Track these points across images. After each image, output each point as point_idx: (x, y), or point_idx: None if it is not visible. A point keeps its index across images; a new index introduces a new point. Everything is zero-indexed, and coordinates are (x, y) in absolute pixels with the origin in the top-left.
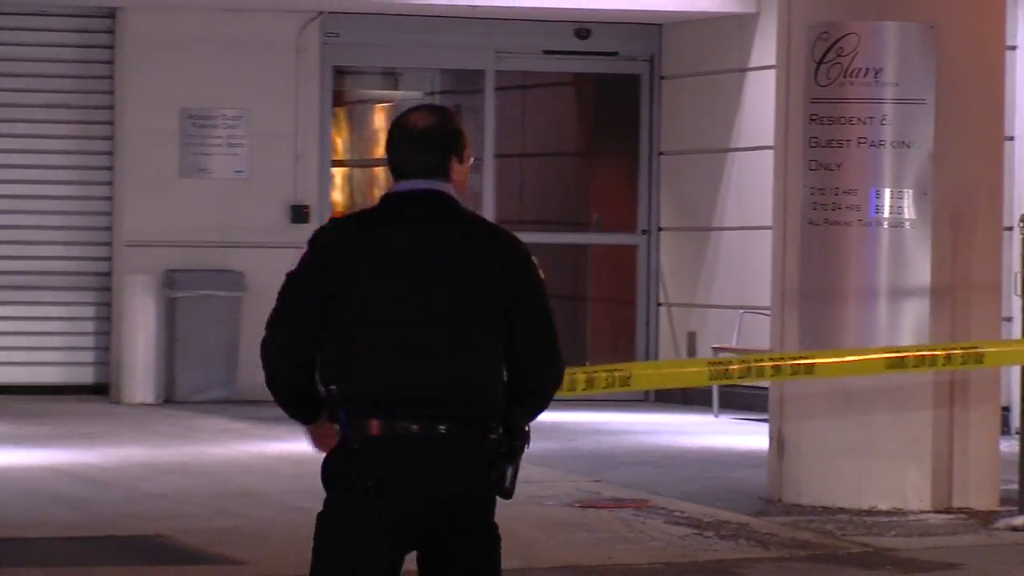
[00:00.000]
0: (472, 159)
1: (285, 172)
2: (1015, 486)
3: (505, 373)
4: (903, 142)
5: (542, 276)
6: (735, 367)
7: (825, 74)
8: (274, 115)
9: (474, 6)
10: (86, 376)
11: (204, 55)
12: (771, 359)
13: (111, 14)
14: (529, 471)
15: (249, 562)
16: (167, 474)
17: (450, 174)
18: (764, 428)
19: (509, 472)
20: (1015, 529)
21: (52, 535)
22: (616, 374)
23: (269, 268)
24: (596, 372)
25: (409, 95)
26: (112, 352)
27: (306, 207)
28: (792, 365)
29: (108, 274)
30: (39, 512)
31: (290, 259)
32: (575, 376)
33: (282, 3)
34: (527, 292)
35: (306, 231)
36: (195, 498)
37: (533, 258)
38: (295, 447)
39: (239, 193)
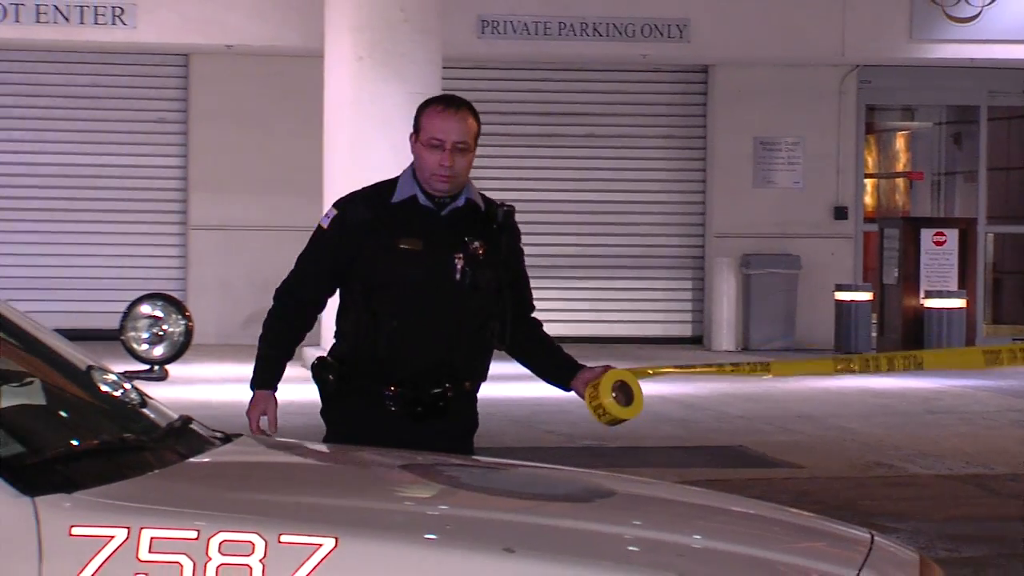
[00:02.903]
0: (416, 136)
1: (830, 183)
2: None
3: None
4: None
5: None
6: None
7: None
8: (822, 141)
9: (972, 59)
10: (685, 330)
11: (771, 98)
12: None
13: (704, 70)
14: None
15: (806, 466)
16: (744, 401)
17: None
18: None
19: None
20: None
21: (659, 445)
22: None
23: (818, 252)
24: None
25: (922, 125)
26: (704, 313)
27: (845, 208)
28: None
29: (701, 257)
30: (650, 428)
31: (833, 246)
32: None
33: (829, 59)
34: None
35: (845, 226)
36: (765, 419)
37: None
38: (837, 382)
39: (796, 198)
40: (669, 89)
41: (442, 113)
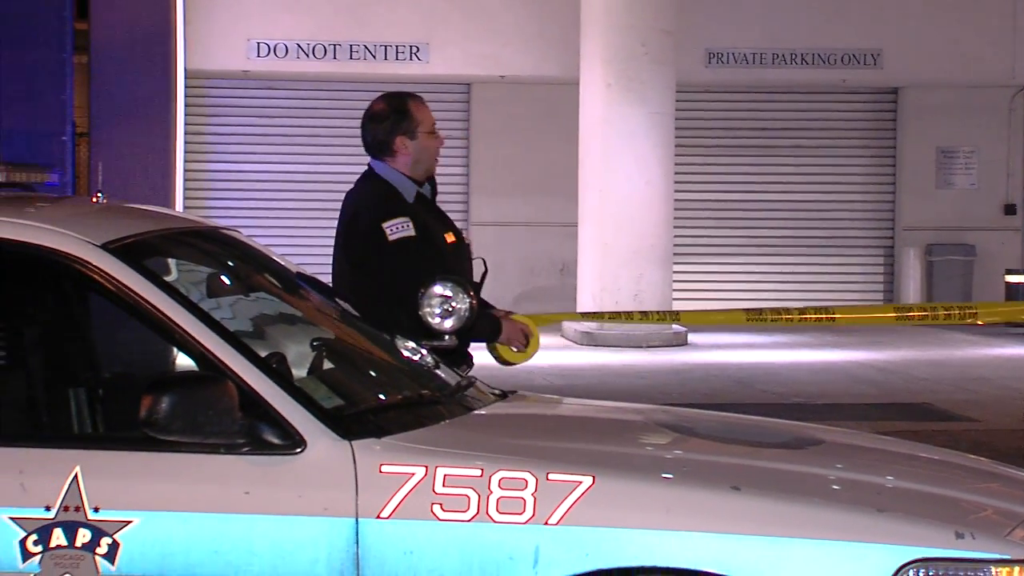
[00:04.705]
0: (410, 131)
1: (1000, 184)
2: None
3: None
4: None
5: (388, 240)
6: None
7: None
8: (994, 149)
9: None
10: None
11: (951, 114)
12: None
13: (895, 91)
14: None
15: (982, 420)
16: (929, 366)
17: (393, 150)
18: None
19: None
20: None
21: (856, 402)
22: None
23: (991, 242)
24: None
25: None
26: (894, 293)
27: (1014, 205)
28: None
29: (892, 246)
30: (848, 388)
31: (1003, 237)
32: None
33: (1001, 81)
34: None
35: (1014, 220)
36: (945, 380)
37: (382, 224)
38: (1009, 351)
39: (972, 198)
40: (864, 107)
41: (423, 105)
